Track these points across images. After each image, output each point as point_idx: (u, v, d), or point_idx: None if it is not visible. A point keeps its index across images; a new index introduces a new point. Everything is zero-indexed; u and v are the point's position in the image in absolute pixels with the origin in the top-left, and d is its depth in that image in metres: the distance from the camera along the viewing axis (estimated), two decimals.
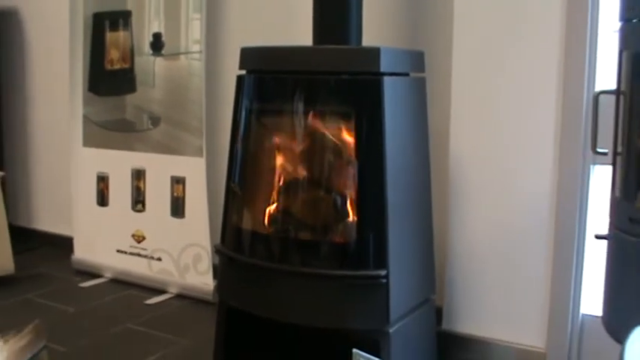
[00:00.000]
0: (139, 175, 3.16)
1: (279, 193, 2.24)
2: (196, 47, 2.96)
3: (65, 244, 3.47)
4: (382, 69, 2.02)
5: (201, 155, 2.93)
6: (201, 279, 2.99)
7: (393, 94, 2.05)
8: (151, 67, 3.09)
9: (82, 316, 2.83)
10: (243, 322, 2.35)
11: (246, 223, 2.28)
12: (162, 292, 3.07)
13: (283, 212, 2.25)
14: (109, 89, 3.25)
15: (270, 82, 2.23)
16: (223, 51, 3.04)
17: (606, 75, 2.13)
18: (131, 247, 3.19)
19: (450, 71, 2.39)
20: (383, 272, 2.02)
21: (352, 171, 2.09)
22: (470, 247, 2.42)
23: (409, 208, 2.18)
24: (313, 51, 2.19)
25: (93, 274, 3.30)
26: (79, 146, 3.36)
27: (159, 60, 3.07)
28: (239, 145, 2.27)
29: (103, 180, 3.28)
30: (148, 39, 3.09)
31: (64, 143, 3.50)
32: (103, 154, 3.27)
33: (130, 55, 3.15)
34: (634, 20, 1.69)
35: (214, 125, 2.98)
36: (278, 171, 2.24)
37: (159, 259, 3.11)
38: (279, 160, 2.24)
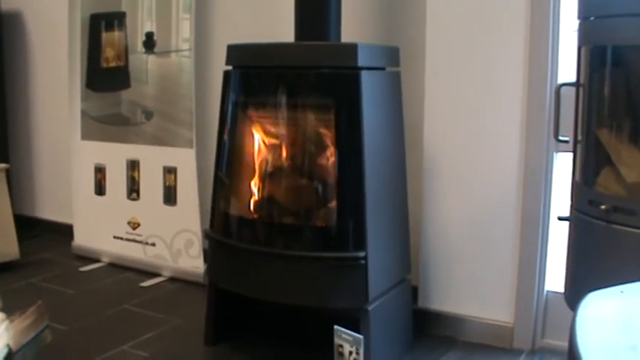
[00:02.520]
0: (133, 165, 3.12)
1: (263, 180, 2.22)
2: (186, 45, 2.93)
3: (66, 231, 3.44)
4: (360, 64, 2.00)
5: (191, 146, 2.90)
6: (193, 263, 2.96)
7: (370, 87, 2.03)
8: (144, 64, 3.05)
9: (82, 297, 2.80)
10: (231, 302, 2.34)
11: (234, 210, 2.26)
12: (156, 275, 3.04)
13: (268, 199, 2.24)
14: (106, 86, 3.21)
15: (255, 77, 2.21)
16: (211, 48, 3.01)
17: (567, 69, 2.12)
18: (127, 233, 3.16)
19: (424, 66, 2.38)
20: (362, 254, 2.01)
21: (332, 159, 2.08)
22: (443, 230, 2.41)
23: (386, 193, 2.17)
24: (295, 47, 2.17)
25: (92, 259, 3.27)
26: (77, 139, 3.32)
27: (151, 58, 3.03)
28: (226, 137, 2.25)
29: (100, 171, 3.25)
30: (141, 38, 3.05)
31: (64, 137, 3.46)
32: (100, 146, 3.23)
33: (124, 53, 3.11)
34: (591, 18, 1.68)
35: (203, 118, 2.95)
36: (263, 160, 2.22)
37: (153, 245, 3.09)
38: (264, 149, 2.22)
